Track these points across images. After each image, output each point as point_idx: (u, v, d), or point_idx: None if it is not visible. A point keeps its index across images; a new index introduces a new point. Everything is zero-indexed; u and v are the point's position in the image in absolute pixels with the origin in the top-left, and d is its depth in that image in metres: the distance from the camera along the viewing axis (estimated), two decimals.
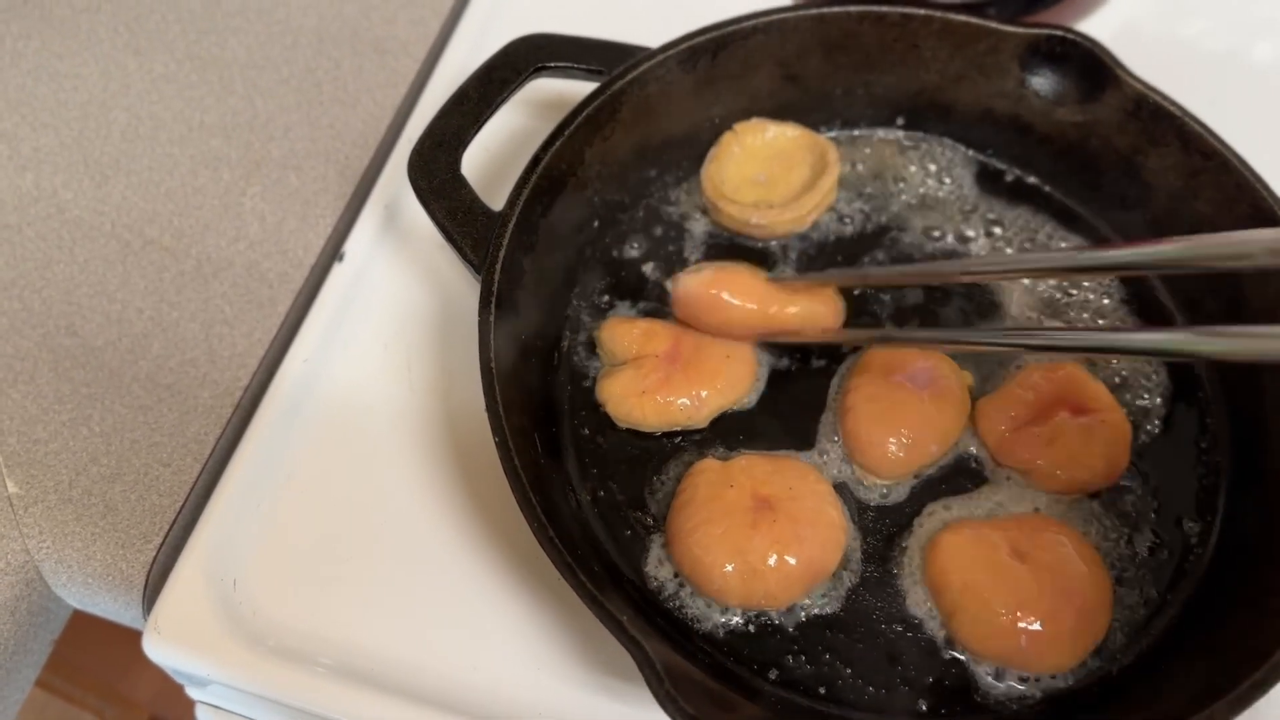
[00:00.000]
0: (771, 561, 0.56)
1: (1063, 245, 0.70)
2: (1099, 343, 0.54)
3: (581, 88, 0.66)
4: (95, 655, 0.88)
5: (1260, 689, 0.49)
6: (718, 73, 0.69)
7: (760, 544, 0.56)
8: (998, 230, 0.71)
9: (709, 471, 0.60)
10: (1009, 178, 0.73)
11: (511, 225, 0.59)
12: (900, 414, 0.60)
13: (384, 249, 0.72)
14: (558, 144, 0.62)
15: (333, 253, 0.72)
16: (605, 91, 0.64)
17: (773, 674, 0.56)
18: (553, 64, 0.66)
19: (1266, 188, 0.62)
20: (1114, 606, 0.58)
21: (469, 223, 0.60)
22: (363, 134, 0.79)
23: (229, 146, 0.78)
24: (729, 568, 0.56)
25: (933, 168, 0.73)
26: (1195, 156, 0.65)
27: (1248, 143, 0.64)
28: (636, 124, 0.67)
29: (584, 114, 0.63)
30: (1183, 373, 0.66)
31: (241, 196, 0.76)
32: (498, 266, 0.58)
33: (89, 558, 0.63)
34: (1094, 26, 0.80)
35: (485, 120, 0.64)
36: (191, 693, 0.65)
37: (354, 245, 0.71)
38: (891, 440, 0.60)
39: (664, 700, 0.46)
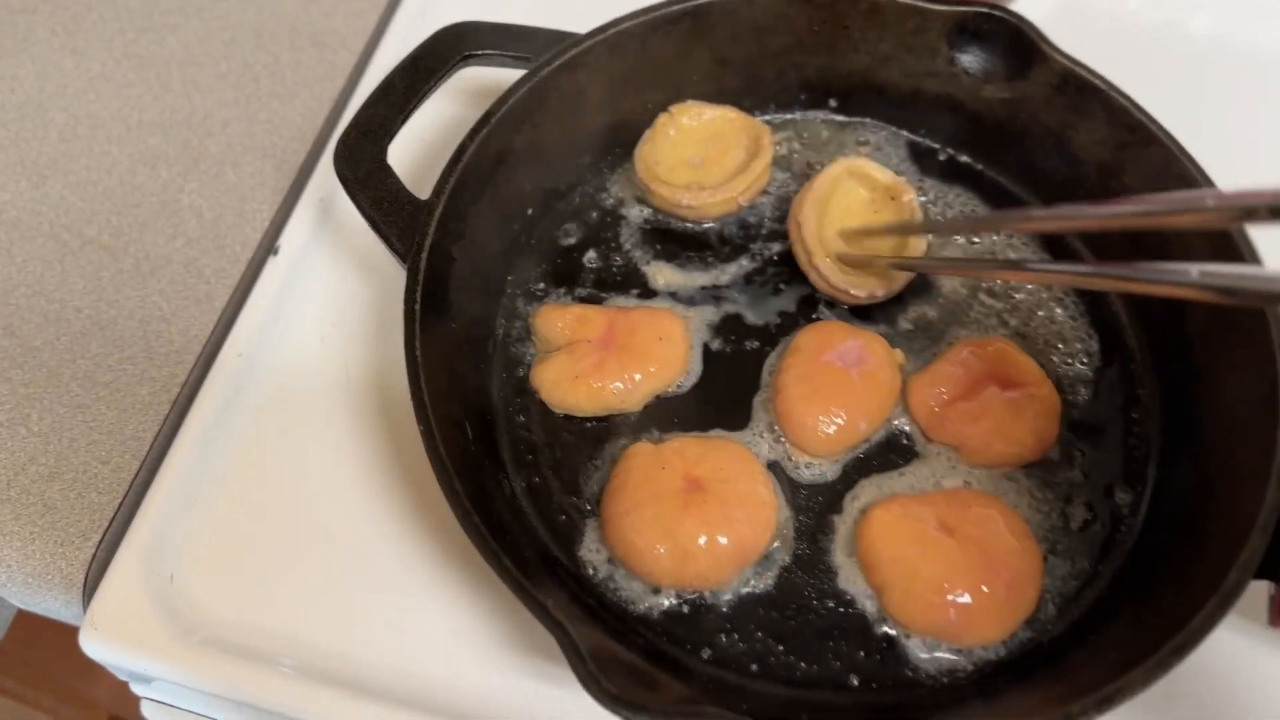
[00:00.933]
0: (702, 542, 0.56)
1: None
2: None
3: (514, 76, 0.66)
4: (51, 657, 0.88)
5: (1179, 654, 0.49)
6: (648, 58, 0.69)
7: (691, 525, 0.56)
8: (933, 209, 0.71)
9: (641, 455, 0.60)
10: (942, 156, 0.73)
11: (438, 213, 0.59)
12: (830, 393, 0.61)
13: (319, 242, 0.72)
14: (484, 132, 0.62)
15: (269, 246, 0.72)
16: (533, 79, 0.64)
17: (705, 653, 0.56)
18: (480, 52, 0.66)
19: (1190, 159, 0.63)
20: (1045, 578, 0.58)
21: (395, 212, 0.60)
22: (300, 128, 0.79)
23: (167, 144, 0.78)
24: (661, 549, 0.56)
25: (866, 149, 0.74)
26: (1121, 130, 0.65)
27: (1186, 115, 0.65)
28: (567, 111, 0.67)
29: (511, 102, 0.63)
30: (1113, 341, 0.66)
31: (179, 193, 0.76)
32: (424, 255, 0.58)
33: (28, 556, 0.63)
34: (1031, 4, 0.80)
35: (412, 110, 0.64)
36: (136, 689, 0.65)
37: (289, 239, 0.71)
38: (822, 419, 0.60)
39: (586, 681, 0.47)
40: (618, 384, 0.62)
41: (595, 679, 0.46)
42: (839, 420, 0.60)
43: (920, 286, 0.68)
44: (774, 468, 0.62)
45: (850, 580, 0.58)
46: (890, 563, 0.57)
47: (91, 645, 0.59)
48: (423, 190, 0.62)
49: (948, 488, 0.61)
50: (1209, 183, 0.62)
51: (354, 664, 0.58)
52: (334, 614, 0.60)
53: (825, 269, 0.65)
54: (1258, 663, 0.59)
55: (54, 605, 0.64)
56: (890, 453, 0.62)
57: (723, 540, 0.56)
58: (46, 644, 0.79)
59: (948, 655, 0.56)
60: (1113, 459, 0.63)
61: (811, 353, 0.62)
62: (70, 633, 0.64)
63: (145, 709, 0.66)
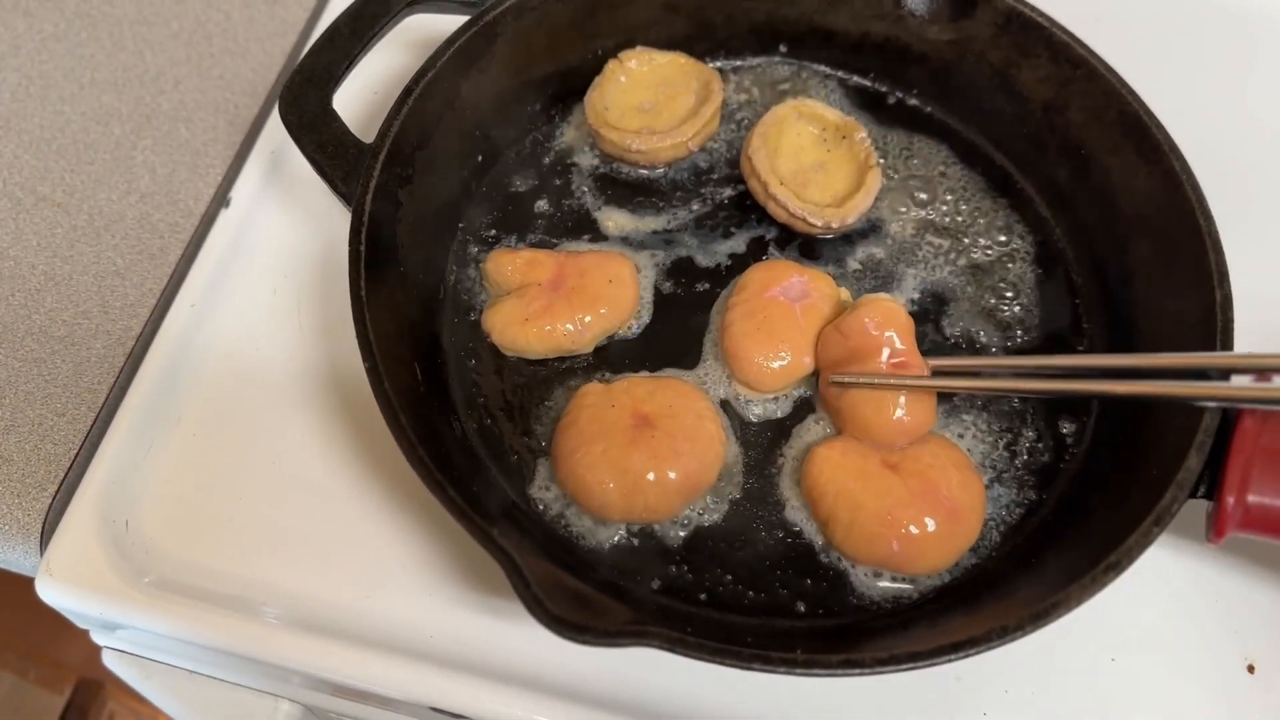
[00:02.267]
0: (651, 476, 0.57)
1: (951, 162, 0.71)
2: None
3: (461, 22, 0.66)
4: (17, 615, 0.88)
5: (1114, 570, 0.50)
6: (598, 3, 0.69)
7: (639, 459, 0.57)
8: (881, 150, 0.71)
9: (592, 394, 0.60)
10: (891, 100, 0.74)
11: (382, 156, 0.60)
12: (775, 330, 0.61)
13: (270, 194, 0.72)
14: (430, 75, 0.63)
15: (221, 201, 0.72)
16: (477, 23, 0.65)
17: (655, 583, 0.57)
18: None
19: (1133, 93, 0.64)
20: (989, 506, 0.59)
21: (340, 155, 0.61)
22: (252, 83, 0.79)
23: (120, 102, 0.78)
24: (610, 484, 0.57)
25: (817, 93, 0.74)
26: (1064, 66, 0.66)
27: (1135, 60, 0.66)
28: (515, 57, 0.68)
29: (456, 45, 0.64)
30: (1059, 276, 0.67)
31: (132, 150, 0.76)
32: (368, 196, 0.58)
33: None
34: None
35: (358, 56, 0.64)
36: (97, 638, 0.66)
37: (240, 191, 0.71)
38: (768, 355, 0.61)
39: (530, 604, 0.47)
40: (568, 325, 0.62)
41: (539, 602, 0.47)
42: (784, 357, 0.61)
43: (869, 227, 0.69)
44: (725, 406, 0.62)
45: (796, 513, 0.59)
46: (834, 497, 0.57)
47: (47, 590, 0.59)
48: (372, 139, 0.62)
49: None
50: (1150, 116, 0.63)
51: (306, 603, 0.59)
52: (288, 556, 0.60)
53: (783, 197, 0.65)
54: (1198, 576, 0.60)
55: (13, 556, 0.65)
56: None
57: (671, 475, 0.57)
58: (11, 602, 0.79)
59: (892, 584, 0.57)
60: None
61: (757, 289, 0.63)
62: (33, 591, 0.64)
63: (106, 658, 0.67)
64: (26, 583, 0.68)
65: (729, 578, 0.57)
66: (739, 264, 0.67)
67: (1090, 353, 0.65)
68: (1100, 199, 0.66)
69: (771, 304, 0.62)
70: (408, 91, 0.62)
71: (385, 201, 0.60)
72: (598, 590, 0.55)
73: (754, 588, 0.57)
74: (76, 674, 0.97)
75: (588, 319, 0.63)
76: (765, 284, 0.63)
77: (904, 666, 0.48)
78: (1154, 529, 0.51)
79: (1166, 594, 0.60)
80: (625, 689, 0.57)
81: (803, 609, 0.57)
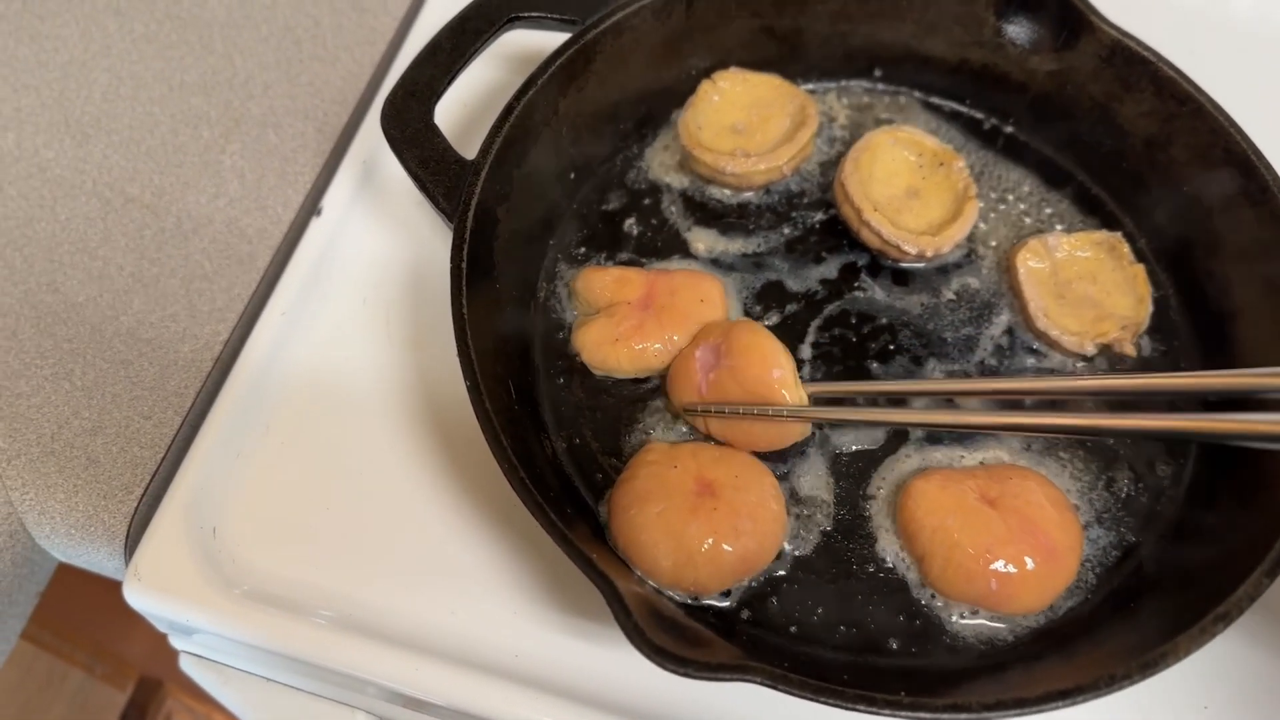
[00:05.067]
0: (706, 550, 0.54)
1: (1043, 200, 0.70)
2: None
3: (560, 39, 0.66)
4: (88, 615, 0.89)
5: (1223, 621, 0.49)
6: (693, 23, 0.69)
7: (696, 530, 0.55)
8: (979, 179, 0.70)
9: (654, 451, 0.59)
10: (986, 127, 0.73)
11: (484, 173, 0.59)
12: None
13: (361, 204, 0.72)
14: (530, 94, 0.62)
15: (311, 208, 0.72)
16: (578, 41, 0.64)
17: (745, 614, 0.56)
18: (526, 14, 0.66)
19: (1240, 131, 0.63)
20: (1086, 548, 0.58)
21: (442, 171, 0.60)
22: (341, 91, 0.79)
23: (209, 105, 0.79)
24: (661, 549, 0.55)
25: (910, 119, 0.73)
26: (1170, 102, 0.65)
27: (1226, 91, 0.64)
28: (611, 75, 0.67)
29: (557, 64, 0.63)
30: (1159, 318, 0.66)
31: (221, 154, 0.76)
32: (470, 214, 0.58)
33: (71, 509, 0.64)
34: None
35: (459, 70, 0.64)
36: (175, 642, 0.66)
37: (332, 200, 0.71)
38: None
39: (631, 634, 0.47)
40: (657, 345, 0.62)
41: (640, 632, 0.47)
42: None
43: (964, 258, 0.68)
44: (817, 429, 0.61)
45: (890, 547, 0.59)
46: (931, 532, 0.56)
47: (135, 596, 0.60)
48: (468, 152, 0.62)
49: (986, 461, 0.61)
50: (1258, 155, 0.62)
51: (392, 618, 0.59)
52: (373, 569, 0.60)
53: (877, 224, 0.65)
54: None
55: (96, 558, 0.65)
56: None
57: (727, 548, 0.55)
58: (83, 601, 0.79)
59: (988, 623, 0.56)
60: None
61: None
62: (106, 589, 0.64)
63: (184, 663, 0.67)
64: (99, 582, 0.69)
65: (820, 610, 0.57)
66: (831, 289, 0.66)
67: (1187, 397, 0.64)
68: (1202, 238, 0.65)
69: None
70: (509, 109, 0.61)
71: (484, 218, 0.60)
72: (688, 616, 0.55)
73: (845, 623, 0.56)
74: (139, 671, 0.98)
75: (677, 338, 0.62)
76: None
77: (1011, 712, 0.47)
78: (1264, 580, 0.50)
79: (1263, 644, 0.59)
80: (709, 717, 0.56)
81: (895, 646, 0.56)
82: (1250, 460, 0.58)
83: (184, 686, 1.01)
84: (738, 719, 0.56)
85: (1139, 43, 0.65)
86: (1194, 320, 0.66)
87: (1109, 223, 0.69)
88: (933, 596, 0.57)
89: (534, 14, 0.66)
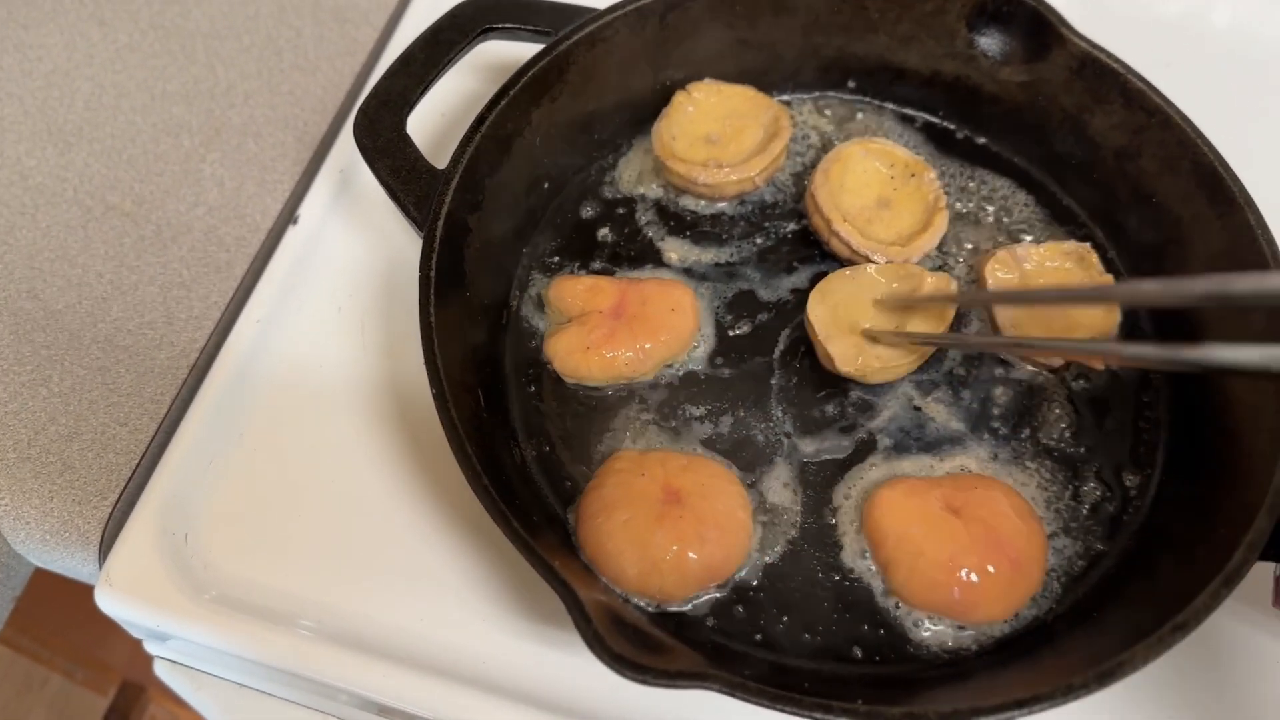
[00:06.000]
0: (670, 559, 0.55)
1: (1015, 210, 0.71)
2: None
3: (534, 50, 0.66)
4: (67, 618, 0.90)
5: (1181, 631, 0.49)
6: (668, 35, 0.69)
7: (662, 538, 0.55)
8: (950, 190, 0.71)
9: (623, 459, 0.60)
10: (960, 136, 0.73)
11: (454, 183, 0.60)
12: None
13: (338, 213, 0.73)
14: (502, 104, 0.63)
15: (289, 216, 0.73)
16: (551, 53, 0.65)
17: (710, 621, 0.57)
18: (500, 25, 0.67)
19: (1208, 143, 0.63)
20: (1051, 557, 0.59)
21: (413, 180, 0.61)
22: (321, 101, 0.79)
23: (190, 114, 0.79)
24: (627, 557, 0.55)
25: (884, 129, 0.74)
26: (1139, 113, 0.65)
27: (1204, 105, 0.65)
28: (585, 87, 0.68)
29: (529, 74, 0.64)
30: (1129, 330, 0.66)
31: (201, 163, 0.77)
32: (440, 223, 0.59)
33: (46, 514, 0.64)
34: None
35: (432, 81, 0.65)
36: (150, 648, 0.66)
37: (309, 209, 0.72)
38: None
39: (590, 640, 0.47)
40: (628, 353, 0.62)
41: (599, 639, 0.47)
42: None
43: (934, 268, 0.68)
44: (785, 438, 0.62)
45: (855, 556, 0.59)
46: (896, 541, 0.57)
47: (106, 601, 0.60)
48: (441, 162, 0.62)
49: (954, 470, 0.61)
50: (1225, 166, 0.62)
51: (363, 624, 0.59)
52: (345, 576, 0.61)
53: (846, 234, 0.65)
54: (1260, 644, 0.59)
55: (70, 563, 0.65)
56: (903, 431, 0.63)
57: (693, 556, 0.55)
58: (63, 605, 0.80)
59: (951, 631, 0.57)
60: (1122, 442, 0.63)
61: None
62: (86, 595, 0.65)
63: (158, 668, 0.67)
64: (79, 587, 0.69)
65: (785, 619, 0.57)
66: (801, 299, 0.67)
67: (1156, 407, 0.64)
68: (1170, 249, 0.65)
69: None
70: (481, 119, 0.62)
71: (455, 227, 0.60)
72: (652, 624, 0.55)
73: (809, 630, 0.57)
74: (120, 676, 0.98)
75: (648, 346, 0.63)
76: None
77: None
78: (1223, 590, 0.50)
79: (1228, 656, 0.59)
80: None
81: (859, 654, 0.56)
82: (1215, 469, 0.58)
83: (166, 693, 1.01)
84: None
85: (1109, 55, 0.66)
86: (1163, 331, 0.66)
87: (1080, 233, 0.70)
88: (897, 605, 0.57)
89: (508, 25, 0.67)
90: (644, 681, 0.46)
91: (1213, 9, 0.85)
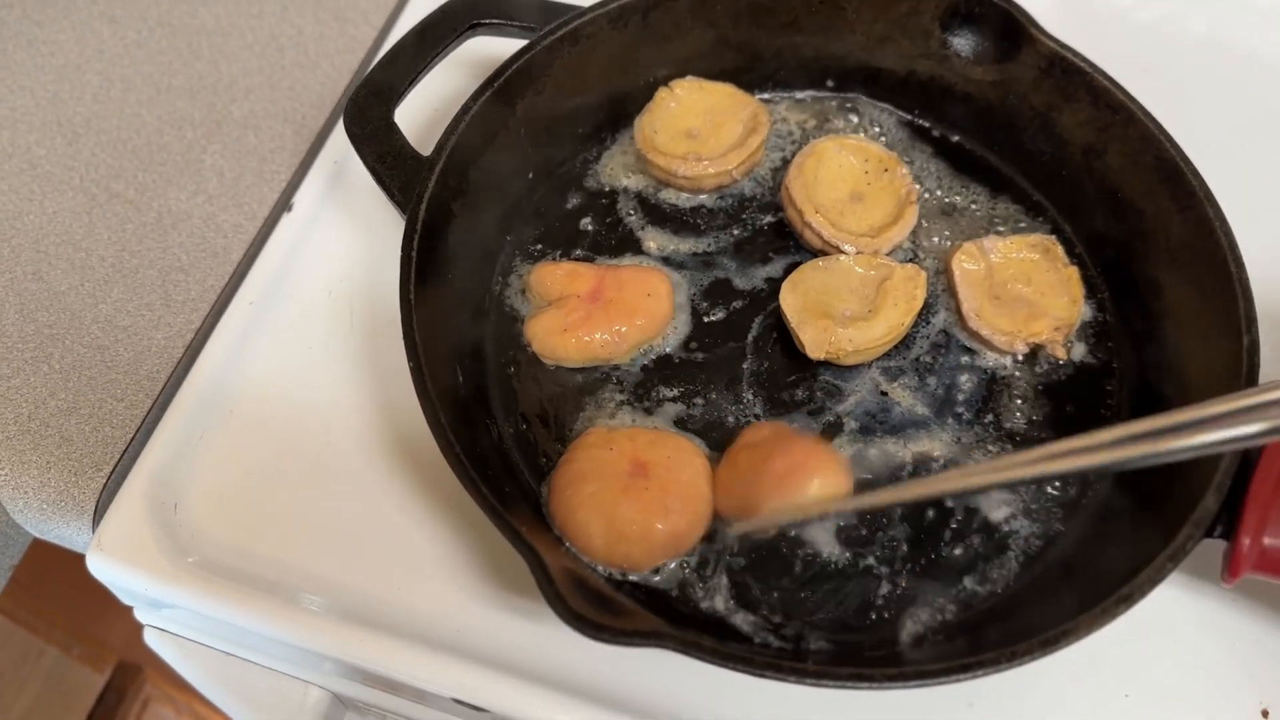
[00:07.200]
0: (636, 528, 0.57)
1: (986, 205, 0.73)
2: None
3: (520, 46, 0.69)
4: (65, 593, 0.92)
5: (1125, 603, 0.51)
6: (650, 33, 0.72)
7: (627, 509, 0.57)
8: (923, 184, 0.73)
9: (593, 435, 0.62)
10: (935, 134, 0.76)
11: (438, 169, 0.62)
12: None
13: (331, 202, 0.75)
14: (487, 95, 0.65)
15: (284, 205, 0.75)
16: (535, 48, 0.67)
17: (674, 591, 0.59)
18: (487, 21, 0.69)
19: (1170, 139, 0.65)
20: (1011, 537, 0.60)
21: (398, 166, 0.64)
22: (320, 95, 0.82)
23: (193, 107, 0.82)
24: (594, 528, 0.57)
25: (861, 127, 0.76)
26: (1105, 110, 0.67)
27: (1180, 108, 0.67)
28: (569, 81, 0.70)
29: (512, 69, 0.66)
30: (1098, 320, 0.68)
31: (203, 154, 0.80)
32: (422, 206, 0.61)
33: (44, 484, 0.67)
34: None
35: (421, 74, 0.68)
36: (140, 615, 0.69)
37: (303, 197, 0.75)
38: None
39: (552, 600, 0.49)
40: (605, 336, 0.65)
41: (560, 598, 0.49)
42: None
43: (906, 260, 0.70)
44: (755, 419, 0.64)
45: (813, 530, 0.61)
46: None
47: (97, 565, 0.62)
48: (430, 151, 0.65)
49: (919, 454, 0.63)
50: (1186, 162, 0.64)
51: (341, 591, 0.61)
52: (325, 545, 0.63)
53: (818, 225, 0.67)
54: (1214, 617, 0.61)
55: (66, 532, 0.68)
56: (869, 415, 0.65)
57: (659, 526, 0.57)
58: (61, 579, 0.82)
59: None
60: (1084, 428, 0.64)
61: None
62: (84, 570, 0.67)
63: (148, 636, 0.70)
64: (78, 560, 0.71)
65: (752, 589, 0.59)
66: (774, 288, 0.69)
67: (1118, 395, 0.66)
68: (1135, 243, 0.67)
69: None
70: (465, 109, 0.64)
71: (438, 212, 0.62)
72: (616, 590, 0.57)
73: (769, 602, 0.58)
74: (118, 655, 1.01)
75: (624, 329, 0.65)
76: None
77: (912, 684, 0.49)
78: (1168, 564, 0.52)
79: (1183, 634, 0.60)
80: (643, 692, 0.58)
81: (825, 622, 0.58)
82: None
83: (164, 674, 1.04)
84: (669, 695, 0.58)
85: (1076, 54, 0.68)
86: (1127, 322, 0.68)
87: (1049, 228, 0.71)
88: (864, 578, 0.59)
89: (495, 21, 0.70)
90: (600, 639, 0.48)
91: (1188, 16, 0.87)
